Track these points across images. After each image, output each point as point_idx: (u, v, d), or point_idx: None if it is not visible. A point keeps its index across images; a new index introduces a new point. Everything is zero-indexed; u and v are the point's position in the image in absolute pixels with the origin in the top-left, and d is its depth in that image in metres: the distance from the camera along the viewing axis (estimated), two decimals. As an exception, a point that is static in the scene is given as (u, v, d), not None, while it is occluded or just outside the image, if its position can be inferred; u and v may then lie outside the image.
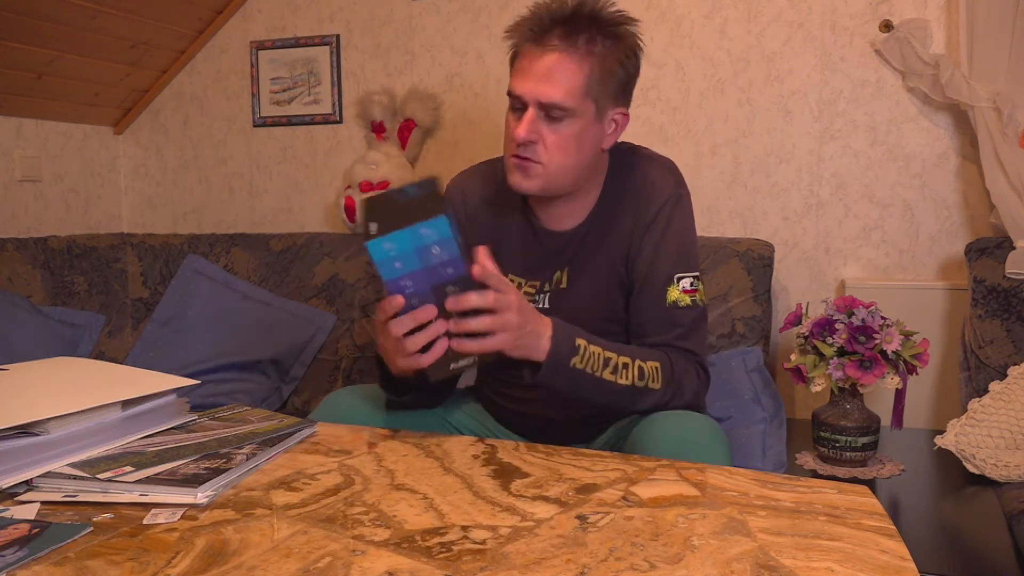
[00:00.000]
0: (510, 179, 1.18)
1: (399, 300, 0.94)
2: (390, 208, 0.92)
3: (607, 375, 1.08)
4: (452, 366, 0.98)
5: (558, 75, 1.12)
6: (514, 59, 1.18)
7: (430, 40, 2.41)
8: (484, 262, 0.97)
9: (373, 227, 0.91)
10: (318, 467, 0.94)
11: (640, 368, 1.10)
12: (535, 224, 1.26)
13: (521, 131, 1.13)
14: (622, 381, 1.09)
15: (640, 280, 1.21)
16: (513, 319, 0.98)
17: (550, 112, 1.13)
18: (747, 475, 0.90)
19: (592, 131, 1.17)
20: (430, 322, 0.95)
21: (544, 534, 0.74)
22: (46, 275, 2.18)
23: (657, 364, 1.12)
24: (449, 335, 0.97)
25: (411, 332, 0.96)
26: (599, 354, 1.08)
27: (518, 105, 1.15)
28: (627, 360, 1.10)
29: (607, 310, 1.24)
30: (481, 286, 0.95)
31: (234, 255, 2.39)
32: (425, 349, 0.97)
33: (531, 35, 1.14)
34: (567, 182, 1.19)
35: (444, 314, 0.96)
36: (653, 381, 1.11)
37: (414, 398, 1.17)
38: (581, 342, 1.07)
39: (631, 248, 1.21)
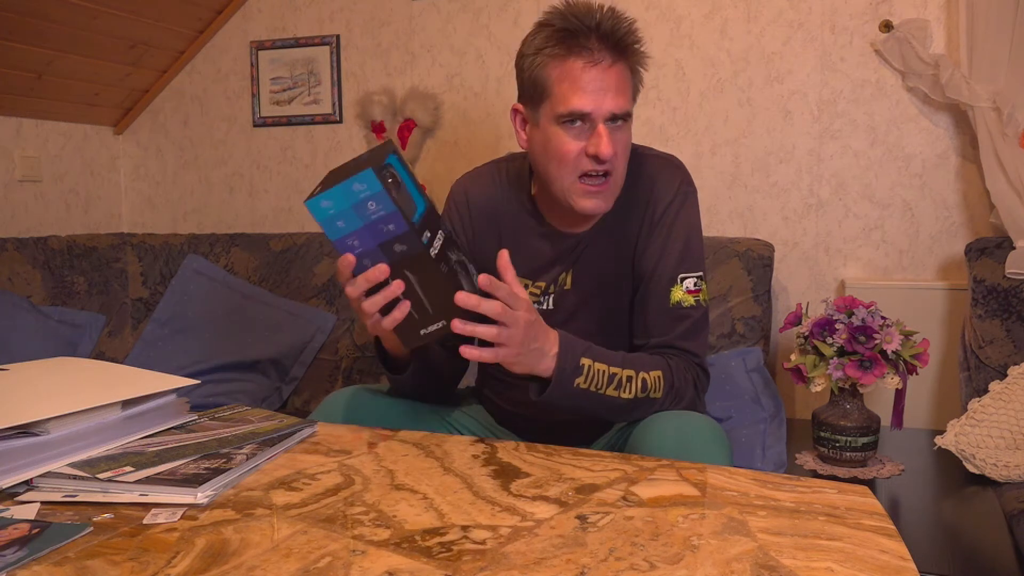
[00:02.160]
0: (581, 204, 1.15)
1: (350, 259, 0.94)
2: (337, 172, 0.91)
3: (610, 391, 1.08)
4: (422, 331, 0.97)
5: (620, 84, 1.13)
6: (546, 80, 1.14)
7: (430, 40, 2.41)
8: (504, 269, 0.98)
9: (316, 188, 0.91)
10: (318, 467, 0.94)
11: (643, 380, 1.10)
12: (544, 226, 1.26)
13: (607, 147, 1.10)
14: (625, 395, 1.09)
15: (645, 279, 1.21)
16: (517, 335, 0.98)
17: (616, 122, 1.13)
18: (747, 475, 0.90)
19: (631, 132, 1.19)
20: (387, 283, 0.94)
21: (544, 534, 0.74)
22: (46, 275, 2.18)
23: (659, 373, 1.12)
24: (414, 304, 0.95)
25: (369, 294, 0.95)
26: (604, 371, 1.08)
27: (577, 123, 1.13)
28: (631, 373, 1.10)
29: (610, 311, 1.24)
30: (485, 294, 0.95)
31: (234, 255, 2.40)
32: (388, 312, 0.96)
33: (580, 51, 1.11)
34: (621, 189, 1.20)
35: (399, 273, 0.94)
36: (655, 391, 1.11)
37: (414, 379, 1.17)
38: (586, 361, 1.06)
39: (637, 247, 1.22)
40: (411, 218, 0.91)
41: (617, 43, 1.12)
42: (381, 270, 0.94)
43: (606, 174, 1.14)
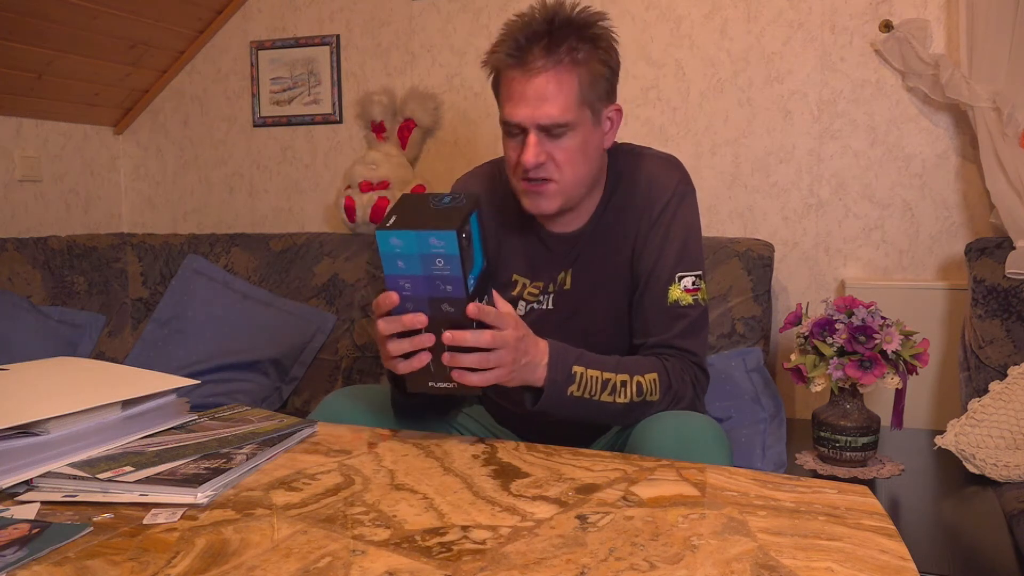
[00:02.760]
0: (526, 204, 1.18)
1: (394, 298, 0.94)
2: (419, 208, 0.92)
3: (605, 397, 1.08)
4: (430, 383, 0.98)
5: (551, 93, 1.11)
6: (497, 86, 1.17)
7: (430, 40, 2.41)
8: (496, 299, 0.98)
9: (392, 219, 0.91)
10: (318, 467, 0.94)
11: (639, 383, 1.10)
12: (540, 226, 1.26)
13: (529, 157, 1.12)
14: (620, 400, 1.09)
15: (643, 278, 1.21)
16: (507, 356, 0.98)
17: (552, 131, 1.12)
18: (747, 475, 0.90)
19: (594, 136, 1.17)
20: (419, 331, 0.95)
21: (544, 534, 0.74)
22: (46, 275, 2.18)
23: (655, 376, 1.12)
24: (434, 358, 0.96)
25: (398, 335, 0.96)
26: (597, 378, 1.07)
27: (515, 132, 1.14)
28: (625, 378, 1.10)
29: (610, 310, 1.24)
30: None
31: (234, 255, 2.40)
32: (409, 355, 0.97)
33: (513, 60, 1.11)
34: (582, 192, 1.20)
35: (435, 328, 0.95)
36: (651, 394, 1.11)
37: (417, 400, 1.17)
38: (578, 369, 1.06)
39: (636, 246, 1.22)
40: (468, 284, 0.92)
41: (556, 49, 1.09)
42: (420, 320, 0.94)
43: (545, 180, 1.14)
